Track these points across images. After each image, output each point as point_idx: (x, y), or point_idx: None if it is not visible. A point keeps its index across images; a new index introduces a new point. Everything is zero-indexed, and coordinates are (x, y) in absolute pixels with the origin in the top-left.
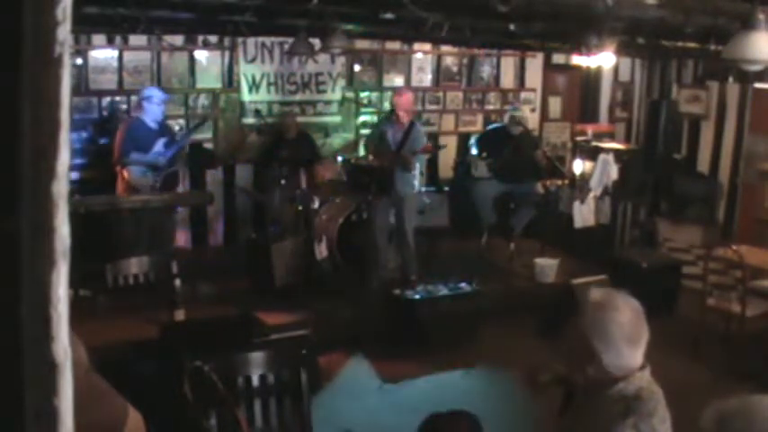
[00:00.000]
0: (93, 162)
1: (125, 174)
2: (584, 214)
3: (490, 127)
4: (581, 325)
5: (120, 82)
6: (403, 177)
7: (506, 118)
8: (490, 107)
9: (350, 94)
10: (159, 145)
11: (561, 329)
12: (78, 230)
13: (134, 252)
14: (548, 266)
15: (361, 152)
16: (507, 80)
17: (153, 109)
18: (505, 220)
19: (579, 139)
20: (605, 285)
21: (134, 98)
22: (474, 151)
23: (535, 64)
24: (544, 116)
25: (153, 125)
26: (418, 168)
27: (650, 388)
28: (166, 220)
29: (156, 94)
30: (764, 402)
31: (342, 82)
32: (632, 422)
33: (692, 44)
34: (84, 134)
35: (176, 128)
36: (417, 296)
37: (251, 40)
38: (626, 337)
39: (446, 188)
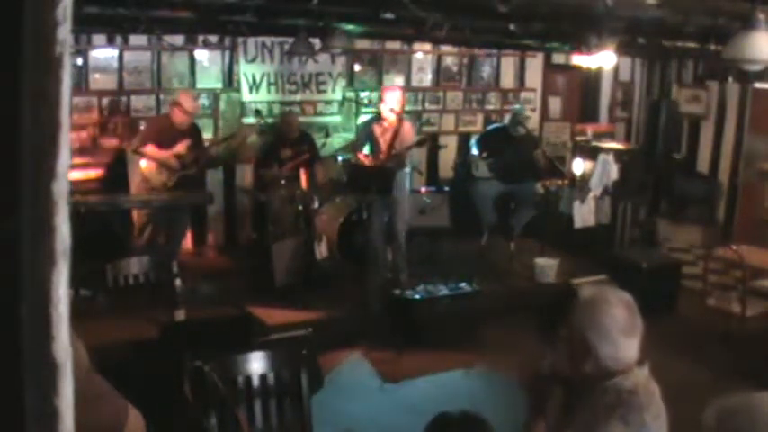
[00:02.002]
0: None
1: (141, 166)
2: (584, 214)
3: (490, 127)
4: (575, 322)
5: (121, 82)
6: (396, 178)
7: (507, 118)
8: (490, 107)
9: (350, 94)
10: (180, 147)
11: (559, 329)
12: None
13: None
14: (548, 266)
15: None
16: (507, 80)
17: (180, 115)
18: (505, 220)
19: (579, 139)
20: (605, 285)
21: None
22: (474, 151)
23: (535, 64)
24: (544, 116)
25: (179, 126)
26: (409, 168)
27: (647, 385)
28: (177, 220)
29: (186, 103)
30: (766, 400)
31: (342, 82)
32: (621, 413)
33: (692, 44)
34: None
35: None
36: (417, 296)
37: (251, 40)
38: (620, 329)
39: (446, 188)
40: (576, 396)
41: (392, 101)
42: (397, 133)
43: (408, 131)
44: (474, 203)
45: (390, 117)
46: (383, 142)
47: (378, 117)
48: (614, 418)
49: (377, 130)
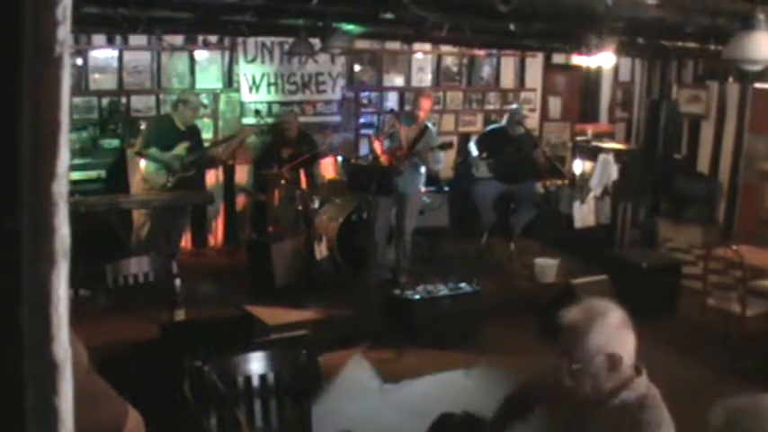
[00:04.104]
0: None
1: (141, 166)
2: (584, 214)
3: (489, 127)
4: (569, 338)
5: (120, 82)
6: (411, 176)
7: (506, 118)
8: (490, 107)
9: (350, 94)
10: (180, 148)
11: (559, 331)
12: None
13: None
14: (548, 266)
15: (364, 150)
16: (507, 80)
17: (186, 113)
18: (505, 220)
19: (579, 139)
20: (605, 285)
21: (172, 97)
22: (474, 152)
23: (535, 64)
24: (544, 116)
25: (181, 127)
26: (424, 168)
27: (651, 393)
28: (176, 220)
29: (192, 99)
30: None
31: (342, 82)
32: None
33: (691, 44)
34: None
35: None
36: (417, 296)
37: (251, 40)
38: (614, 344)
39: (446, 188)
40: (580, 417)
41: (427, 106)
42: (422, 135)
43: (433, 135)
44: (474, 203)
45: (422, 121)
46: (405, 141)
47: (409, 116)
48: None
49: (403, 129)
